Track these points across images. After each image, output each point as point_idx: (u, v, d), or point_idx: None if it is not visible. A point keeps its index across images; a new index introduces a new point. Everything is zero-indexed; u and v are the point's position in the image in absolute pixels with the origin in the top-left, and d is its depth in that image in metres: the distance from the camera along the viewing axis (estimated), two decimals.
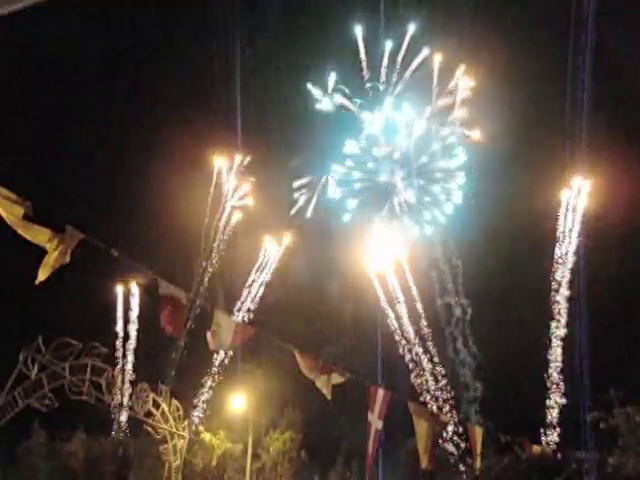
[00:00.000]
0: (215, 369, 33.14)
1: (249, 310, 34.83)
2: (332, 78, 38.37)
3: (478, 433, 28.82)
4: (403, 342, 34.00)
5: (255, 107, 35.71)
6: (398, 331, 34.13)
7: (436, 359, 34.50)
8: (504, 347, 33.14)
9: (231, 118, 35.24)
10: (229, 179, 35.35)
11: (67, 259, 23.81)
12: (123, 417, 30.37)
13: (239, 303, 35.11)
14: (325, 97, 38.70)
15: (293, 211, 38.16)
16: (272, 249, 36.10)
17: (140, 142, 31.75)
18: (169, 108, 31.30)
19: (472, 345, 37.28)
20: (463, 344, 37.43)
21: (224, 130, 34.58)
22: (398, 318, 34.30)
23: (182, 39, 34.38)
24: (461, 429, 30.72)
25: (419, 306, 34.98)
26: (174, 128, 31.94)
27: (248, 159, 35.82)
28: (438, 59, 37.51)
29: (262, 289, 35.27)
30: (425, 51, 37.79)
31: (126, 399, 28.64)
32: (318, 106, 38.66)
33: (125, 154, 31.44)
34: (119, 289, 32.81)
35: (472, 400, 36.15)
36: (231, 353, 29.89)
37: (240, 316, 34.22)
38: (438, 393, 33.54)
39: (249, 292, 35.11)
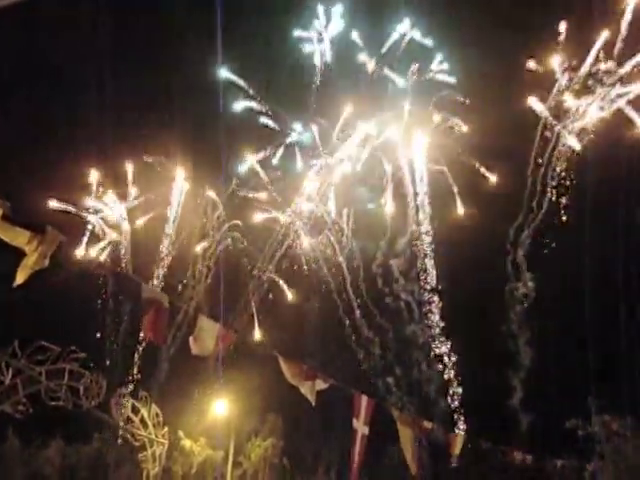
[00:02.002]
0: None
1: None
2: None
3: (459, 440, 28.87)
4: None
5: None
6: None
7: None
8: (479, 351, 33.31)
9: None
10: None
11: (47, 262, 23.12)
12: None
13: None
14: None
15: None
16: None
17: (128, 145, 31.40)
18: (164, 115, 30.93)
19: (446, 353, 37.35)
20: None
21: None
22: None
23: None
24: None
25: None
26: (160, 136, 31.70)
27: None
28: None
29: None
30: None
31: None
32: None
33: (111, 155, 31.00)
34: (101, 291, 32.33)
35: (451, 408, 36.28)
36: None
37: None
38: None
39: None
